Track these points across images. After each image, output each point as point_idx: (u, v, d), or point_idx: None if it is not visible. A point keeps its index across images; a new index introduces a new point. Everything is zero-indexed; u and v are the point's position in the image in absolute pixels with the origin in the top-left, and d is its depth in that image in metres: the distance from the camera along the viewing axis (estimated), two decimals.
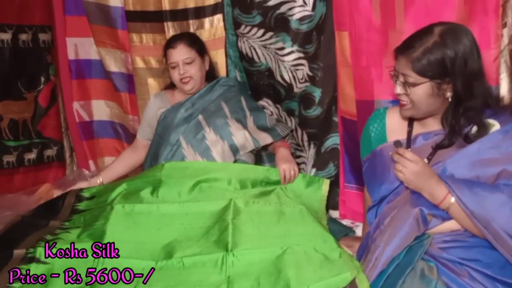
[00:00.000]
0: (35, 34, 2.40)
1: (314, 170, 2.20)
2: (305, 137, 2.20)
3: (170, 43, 2.10)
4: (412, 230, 1.29)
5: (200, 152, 1.99)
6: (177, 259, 1.47)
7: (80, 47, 2.60)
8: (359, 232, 1.89)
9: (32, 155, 2.43)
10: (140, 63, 2.47)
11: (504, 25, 1.59)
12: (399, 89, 1.38)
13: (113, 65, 2.57)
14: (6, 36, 2.26)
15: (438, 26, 1.33)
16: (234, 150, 1.99)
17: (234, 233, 1.51)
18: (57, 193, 2.27)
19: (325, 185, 1.90)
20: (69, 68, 2.61)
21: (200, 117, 2.04)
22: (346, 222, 2.06)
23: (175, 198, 1.74)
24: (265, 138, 2.04)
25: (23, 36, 2.34)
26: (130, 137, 2.64)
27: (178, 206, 1.68)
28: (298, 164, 2.20)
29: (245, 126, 2.03)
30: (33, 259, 1.53)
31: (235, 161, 1.99)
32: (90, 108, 2.69)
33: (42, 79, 2.47)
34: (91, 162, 2.72)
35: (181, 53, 2.05)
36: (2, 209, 2.02)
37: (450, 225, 1.32)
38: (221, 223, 1.58)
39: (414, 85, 1.33)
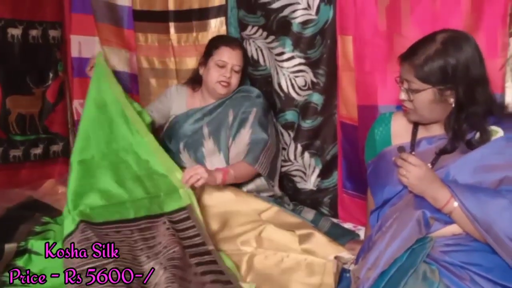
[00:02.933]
0: (45, 30, 2.41)
1: (319, 179, 2.19)
2: (299, 149, 2.17)
3: (227, 42, 2.02)
4: (414, 232, 1.30)
5: (195, 159, 2.00)
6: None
7: (84, 45, 2.59)
8: (362, 235, 1.90)
9: (38, 150, 2.44)
10: (144, 63, 2.48)
11: (511, 34, 1.61)
12: (403, 95, 1.41)
13: (117, 64, 2.57)
14: (17, 32, 2.27)
15: (440, 33, 1.36)
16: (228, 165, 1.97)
17: None
18: (61, 189, 2.28)
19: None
20: (71, 65, 2.60)
21: (205, 126, 2.03)
22: (347, 225, 2.07)
23: None
24: (240, 157, 1.93)
25: (34, 32, 2.35)
26: None
27: None
28: (292, 176, 2.21)
29: (235, 141, 1.98)
30: (25, 251, 1.59)
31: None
32: None
33: (51, 75, 2.47)
34: None
35: (237, 58, 2.00)
36: (7, 203, 2.03)
37: (452, 229, 1.33)
38: None
39: (417, 91, 1.36)
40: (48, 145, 2.49)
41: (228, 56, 1.98)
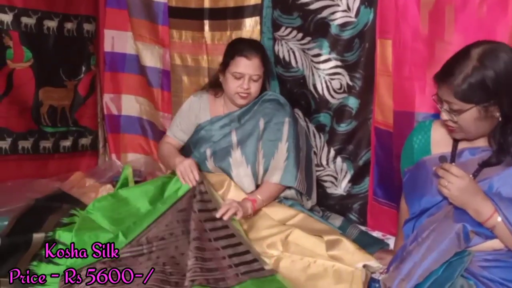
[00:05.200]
0: (80, 23, 2.44)
1: (349, 185, 2.16)
2: (332, 153, 2.15)
3: (244, 51, 1.89)
4: (452, 245, 1.26)
5: (221, 167, 1.95)
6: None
7: (117, 40, 2.62)
8: (392, 245, 1.85)
9: (67, 142, 2.46)
10: (177, 60, 2.47)
11: None
12: (445, 116, 1.36)
13: (149, 60, 2.58)
14: (53, 24, 2.30)
15: (474, 48, 1.30)
16: (256, 179, 1.92)
17: None
18: (88, 182, 2.30)
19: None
20: (104, 59, 2.63)
21: (233, 133, 1.96)
22: (376, 234, 2.02)
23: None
24: (272, 176, 1.87)
25: (69, 25, 2.38)
26: (157, 134, 2.65)
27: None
28: (323, 181, 2.18)
29: (271, 156, 1.90)
30: (53, 241, 1.62)
31: None
32: (119, 102, 2.71)
33: (83, 68, 2.50)
34: (113, 156, 2.73)
35: (254, 68, 1.89)
36: (35, 193, 2.06)
37: (493, 244, 1.29)
38: None
39: (460, 112, 1.31)
40: (77, 138, 2.52)
41: (244, 67, 1.88)
